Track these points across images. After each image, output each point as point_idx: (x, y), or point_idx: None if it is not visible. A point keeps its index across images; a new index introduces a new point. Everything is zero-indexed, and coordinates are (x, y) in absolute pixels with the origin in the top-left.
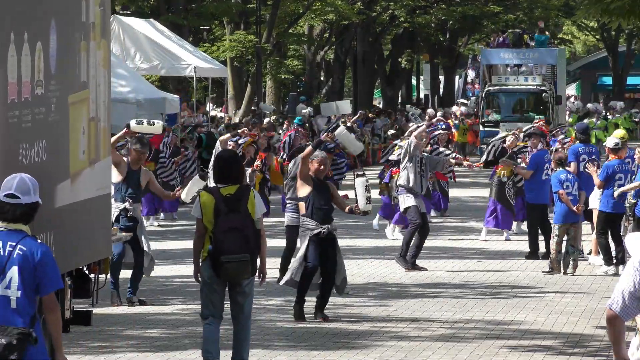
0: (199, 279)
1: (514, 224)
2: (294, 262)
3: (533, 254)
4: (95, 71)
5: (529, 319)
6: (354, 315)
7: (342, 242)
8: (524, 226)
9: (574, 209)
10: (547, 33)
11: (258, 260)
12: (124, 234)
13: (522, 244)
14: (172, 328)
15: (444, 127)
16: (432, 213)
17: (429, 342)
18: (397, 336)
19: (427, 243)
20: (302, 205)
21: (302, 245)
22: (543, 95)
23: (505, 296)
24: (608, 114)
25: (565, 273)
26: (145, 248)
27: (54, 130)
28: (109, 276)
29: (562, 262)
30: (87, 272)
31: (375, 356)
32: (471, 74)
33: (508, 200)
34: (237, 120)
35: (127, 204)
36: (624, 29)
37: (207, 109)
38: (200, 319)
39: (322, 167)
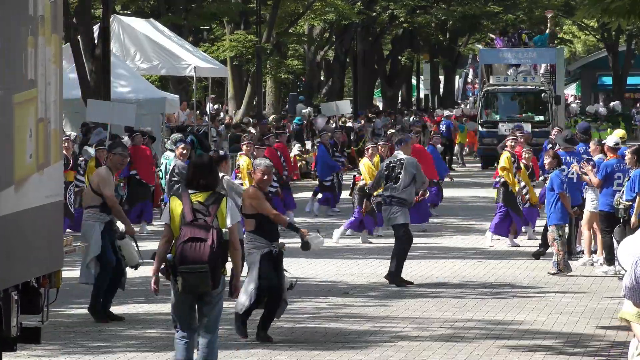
0: (157, 287)
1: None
2: (249, 284)
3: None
4: (44, 69)
5: (529, 319)
6: (354, 315)
7: (342, 242)
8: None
9: (572, 211)
10: (548, 31)
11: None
12: (80, 243)
13: (522, 244)
14: (171, 328)
15: (444, 127)
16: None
17: (429, 342)
18: (397, 336)
19: (428, 243)
20: (249, 221)
21: (253, 265)
22: (542, 95)
23: (505, 296)
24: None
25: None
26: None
27: None
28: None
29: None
30: (36, 285)
31: (375, 356)
32: (471, 73)
33: (516, 205)
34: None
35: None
36: (624, 29)
37: (208, 108)
38: (175, 332)
39: (265, 176)
